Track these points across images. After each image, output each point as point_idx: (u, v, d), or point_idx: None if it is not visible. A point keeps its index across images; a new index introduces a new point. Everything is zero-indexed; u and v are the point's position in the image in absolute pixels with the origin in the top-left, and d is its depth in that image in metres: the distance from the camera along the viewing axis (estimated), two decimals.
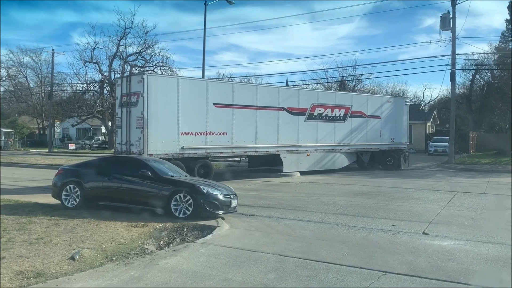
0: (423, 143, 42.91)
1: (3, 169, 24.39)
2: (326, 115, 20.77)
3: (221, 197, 9.50)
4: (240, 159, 21.55)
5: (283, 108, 19.06)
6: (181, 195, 9.37)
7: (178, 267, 6.24)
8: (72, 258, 6.47)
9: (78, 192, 10.22)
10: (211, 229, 8.53)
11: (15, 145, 48.92)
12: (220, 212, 9.47)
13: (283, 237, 8.13)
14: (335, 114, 21.13)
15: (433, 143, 37.34)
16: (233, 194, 9.89)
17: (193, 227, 8.76)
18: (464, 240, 7.96)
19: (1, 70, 57.49)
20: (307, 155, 20.19)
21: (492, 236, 8.25)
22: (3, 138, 50.87)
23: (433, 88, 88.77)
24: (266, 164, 20.14)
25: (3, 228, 8.21)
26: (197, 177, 10.88)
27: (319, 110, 20.49)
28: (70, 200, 10.29)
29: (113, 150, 19.41)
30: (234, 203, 9.81)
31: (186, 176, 10.98)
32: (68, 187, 10.36)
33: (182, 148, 15.67)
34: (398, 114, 24.12)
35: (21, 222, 8.82)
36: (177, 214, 9.31)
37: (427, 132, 45.23)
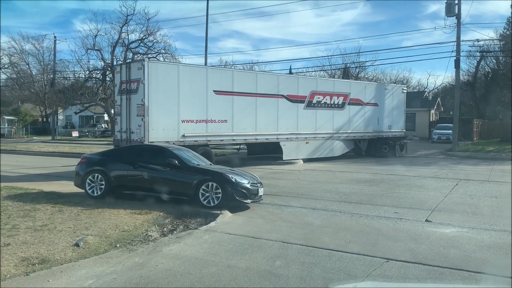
0: (426, 130, 42.78)
1: (7, 156, 24.50)
2: (325, 103, 20.84)
3: (249, 185, 9.37)
4: (240, 147, 21.58)
5: (283, 96, 19.06)
6: (209, 184, 9.24)
7: (181, 253, 6.28)
8: (77, 244, 6.53)
9: (103, 181, 10.08)
10: (214, 216, 8.57)
11: (18, 133, 49.08)
12: (248, 201, 9.34)
13: (286, 224, 8.16)
14: (334, 102, 21.22)
15: (437, 131, 37.21)
16: (259, 183, 9.78)
17: (196, 214, 8.79)
18: (467, 228, 7.96)
19: (3, 57, 57.41)
20: (306, 142, 20.24)
21: (495, 224, 8.25)
22: (6, 125, 51.02)
23: (437, 75, 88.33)
24: (265, 152, 20.13)
25: (8, 215, 8.27)
26: (221, 165, 10.75)
27: (318, 98, 20.52)
28: (95, 189, 10.13)
29: (112, 138, 19.25)
30: (261, 191, 9.71)
31: (210, 164, 10.82)
32: (92, 175, 10.20)
33: (183, 135, 15.64)
34: (395, 101, 24.32)
35: (25, 209, 8.88)
36: (205, 203, 9.17)
37: (431, 120, 45.05)
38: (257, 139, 18.32)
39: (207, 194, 9.23)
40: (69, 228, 7.49)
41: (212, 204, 9.13)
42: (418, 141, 39.62)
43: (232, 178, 9.29)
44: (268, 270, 5.63)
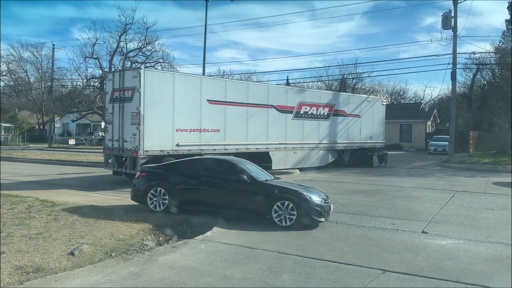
0: (423, 142, 42.93)
1: (3, 164, 24.37)
2: (312, 113, 21.19)
3: (322, 203, 8.87)
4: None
5: (273, 106, 19.26)
6: (284, 202, 8.72)
7: (177, 263, 6.24)
8: (72, 253, 6.48)
9: (166, 196, 9.61)
10: (210, 225, 8.53)
11: (15, 140, 48.90)
12: (322, 219, 8.85)
13: (282, 235, 8.14)
14: (320, 113, 21.61)
15: (433, 142, 37.37)
16: (328, 198, 9.29)
17: (192, 224, 8.76)
18: (463, 240, 7.97)
19: (1, 64, 57.47)
20: (294, 152, 20.46)
21: (491, 236, 8.26)
22: (3, 132, 50.86)
23: (433, 87, 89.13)
24: (252, 161, 20.11)
25: (3, 223, 8.22)
26: (287, 180, 10.05)
27: (305, 109, 20.85)
28: (157, 204, 9.65)
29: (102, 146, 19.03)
30: (332, 207, 9.25)
31: (275, 178, 10.15)
32: (154, 190, 9.73)
33: (177, 144, 15.59)
34: (375, 113, 24.93)
35: (20, 217, 8.82)
36: (278, 222, 8.66)
37: (427, 131, 45.24)
38: (248, 148, 18.39)
39: (280, 212, 8.71)
40: (64, 236, 7.44)
41: (285, 223, 8.62)
42: (415, 152, 39.74)
43: (307, 195, 8.80)
44: (264, 280, 5.61)
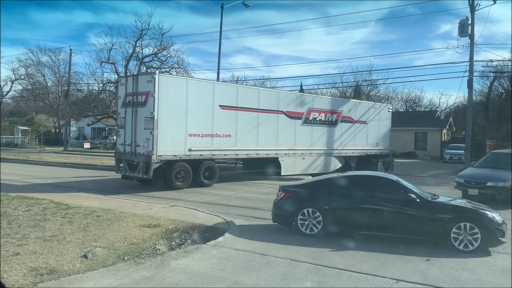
0: (438, 150, 42.40)
1: (20, 166, 24.81)
2: (320, 120, 21.18)
3: (501, 220, 8.03)
4: (237, 162, 21.70)
5: (282, 112, 19.28)
6: (464, 224, 7.81)
7: (189, 268, 6.25)
8: (85, 256, 6.53)
9: (320, 217, 8.69)
10: (222, 231, 8.53)
11: (31, 143, 49.66)
12: (504, 239, 7.91)
13: (295, 241, 8.09)
14: (328, 119, 21.61)
15: (449, 151, 36.88)
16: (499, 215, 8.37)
17: (205, 229, 8.77)
18: (480, 250, 7.80)
19: (20, 69, 58.66)
20: (303, 158, 20.43)
21: (508, 247, 8.08)
22: (20, 135, 51.74)
23: (449, 95, 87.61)
24: (260, 167, 20.13)
25: (18, 225, 8.33)
26: (427, 194, 8.99)
27: (314, 115, 20.84)
28: (310, 226, 8.76)
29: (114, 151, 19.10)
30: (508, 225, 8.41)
31: (437, 196, 9.02)
32: (305, 211, 8.84)
33: (190, 149, 15.64)
34: (382, 120, 24.86)
35: (36, 219, 8.93)
36: (458, 246, 7.74)
37: (443, 139, 44.69)
38: (258, 154, 18.40)
39: (460, 236, 7.80)
40: (78, 239, 7.51)
41: (468, 247, 7.71)
42: (430, 161, 39.28)
43: (489, 214, 7.98)
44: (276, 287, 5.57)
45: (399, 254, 7.34)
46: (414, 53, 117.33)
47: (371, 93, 54.38)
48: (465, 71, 26.27)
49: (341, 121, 22.25)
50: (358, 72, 54.28)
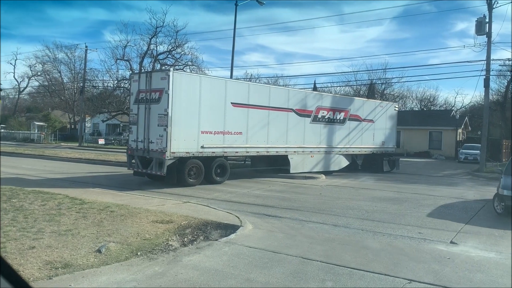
0: (453, 150, 41.91)
1: (36, 161, 25.21)
2: (328, 118, 21.25)
3: None
4: (245, 159, 21.77)
5: (292, 110, 19.31)
6: None
7: (201, 264, 6.28)
8: (99, 251, 6.61)
9: None
10: (234, 228, 8.55)
11: (47, 139, 50.39)
12: None
13: (306, 240, 8.08)
14: (336, 117, 21.68)
15: (464, 151, 36.40)
16: None
17: (217, 226, 8.80)
18: (494, 252, 7.71)
19: (37, 65, 59.53)
20: (311, 156, 20.50)
21: None
22: (36, 131, 52.54)
23: (465, 94, 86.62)
24: (268, 164, 20.18)
25: (34, 219, 8.47)
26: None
27: (323, 113, 20.91)
28: None
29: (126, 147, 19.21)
30: None
31: None
32: None
33: (202, 146, 15.70)
34: (388, 118, 25.01)
35: (51, 213, 9.07)
36: None
37: (458, 139, 44.11)
38: (268, 151, 18.45)
39: None
40: (92, 234, 7.60)
41: None
42: (444, 161, 38.85)
43: None
44: (287, 286, 5.58)
45: (412, 255, 7.29)
46: (429, 52, 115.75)
47: (385, 92, 53.92)
48: (482, 70, 25.94)
49: (349, 119, 22.34)
50: (372, 70, 53.90)
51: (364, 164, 23.74)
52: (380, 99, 39.72)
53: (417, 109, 63.25)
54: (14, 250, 6.37)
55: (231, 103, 16.69)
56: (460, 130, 45.98)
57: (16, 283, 1.43)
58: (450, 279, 6.05)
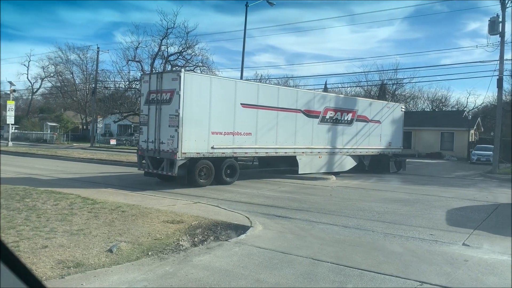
0: (465, 151, 41.45)
1: (48, 161, 25.51)
2: (336, 118, 21.26)
3: None
4: (253, 160, 21.78)
5: (300, 111, 19.32)
6: None
7: (211, 265, 6.30)
8: (110, 250, 6.66)
9: None
10: (244, 229, 8.56)
11: (60, 139, 50.95)
12: None
13: (316, 241, 8.06)
14: (344, 118, 21.68)
15: (476, 152, 35.98)
16: None
17: (227, 226, 8.82)
18: (508, 254, 7.60)
19: (49, 66, 60.18)
20: (319, 157, 20.49)
21: None
22: (49, 131, 53.17)
23: (477, 95, 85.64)
24: (276, 165, 20.17)
25: (47, 218, 8.57)
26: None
27: (331, 114, 20.92)
28: None
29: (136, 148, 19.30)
30: None
31: None
32: None
33: (212, 147, 15.74)
34: (395, 119, 25.01)
35: (63, 213, 9.17)
36: None
37: (470, 140, 43.62)
38: (277, 152, 18.45)
39: None
40: (104, 233, 7.67)
41: None
42: (456, 162, 38.44)
43: None
44: (297, 287, 5.56)
45: (423, 256, 7.22)
46: (441, 52, 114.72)
47: (396, 92, 53.55)
48: (495, 70, 25.64)
49: (356, 120, 22.37)
50: (383, 70, 53.54)
51: (371, 165, 23.69)
52: (391, 100, 39.53)
53: (428, 109, 62.71)
54: (28, 249, 6.46)
55: (241, 103, 16.72)
56: (472, 131, 45.47)
57: (31, 283, 1.45)
58: (462, 281, 5.99)
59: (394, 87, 54.19)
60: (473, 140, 44.79)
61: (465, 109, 59.39)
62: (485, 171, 26.25)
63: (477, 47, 55.60)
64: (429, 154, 42.53)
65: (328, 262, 6.64)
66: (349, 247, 7.71)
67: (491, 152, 29.02)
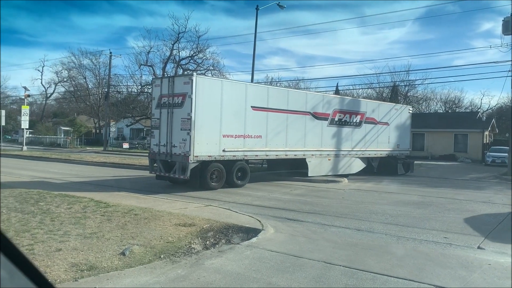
0: (479, 152, 40.86)
1: (62, 165, 25.80)
2: (345, 121, 21.25)
3: None
4: (262, 163, 21.76)
5: (310, 113, 19.33)
6: None
7: (223, 268, 6.30)
8: (123, 253, 6.70)
9: None
10: (256, 232, 8.55)
11: (73, 143, 51.53)
12: None
13: (329, 244, 8.01)
14: (352, 120, 21.68)
15: (491, 153, 35.48)
16: None
17: (238, 229, 8.82)
18: None
19: (63, 71, 60.96)
20: (329, 159, 20.48)
21: None
22: (62, 136, 53.83)
23: (492, 96, 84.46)
24: (285, 168, 20.12)
25: (61, 222, 8.66)
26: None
27: (340, 116, 20.91)
28: None
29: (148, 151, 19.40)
30: None
31: None
32: None
33: (224, 150, 15.77)
34: (403, 121, 25.05)
35: (76, 216, 9.26)
36: None
37: (485, 142, 43.02)
38: (287, 155, 18.44)
39: None
40: (116, 237, 7.72)
41: None
42: (470, 164, 37.95)
43: None
44: None
45: (437, 260, 7.13)
46: (453, 53, 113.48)
47: (408, 94, 53.13)
48: (509, 71, 25.26)
49: (365, 122, 22.35)
50: (395, 72, 53.18)
51: (379, 167, 23.67)
52: (403, 102, 39.21)
53: (441, 111, 62.06)
54: (42, 252, 6.53)
55: (251, 106, 16.75)
56: (487, 133, 44.86)
57: (43, 285, 1.46)
58: (478, 285, 5.89)
59: (406, 88, 53.78)
60: (487, 141, 44.18)
61: (479, 110, 58.71)
62: (500, 173, 25.87)
63: (490, 47, 55.00)
64: (443, 156, 42.07)
65: (340, 265, 6.59)
66: (361, 251, 7.65)
67: (507, 154, 28.59)
